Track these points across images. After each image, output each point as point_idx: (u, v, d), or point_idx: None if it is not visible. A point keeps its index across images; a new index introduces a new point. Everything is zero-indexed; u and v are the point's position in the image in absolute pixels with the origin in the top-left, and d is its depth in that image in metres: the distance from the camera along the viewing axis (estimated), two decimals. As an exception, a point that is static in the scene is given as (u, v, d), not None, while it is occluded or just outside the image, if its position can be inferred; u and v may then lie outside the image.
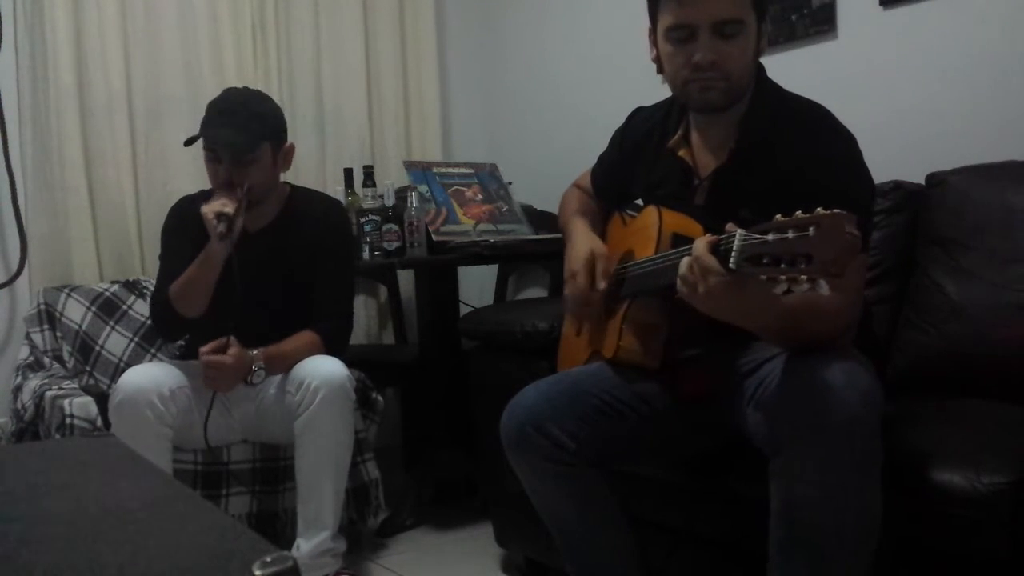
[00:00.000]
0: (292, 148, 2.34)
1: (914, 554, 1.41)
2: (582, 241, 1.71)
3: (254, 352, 2.15)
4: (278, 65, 3.20)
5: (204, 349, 2.10)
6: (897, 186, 2.04)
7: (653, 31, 1.60)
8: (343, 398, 2.13)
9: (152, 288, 2.77)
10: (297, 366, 2.16)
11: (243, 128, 2.17)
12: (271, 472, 2.35)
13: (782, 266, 1.12)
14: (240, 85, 3.07)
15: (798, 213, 1.12)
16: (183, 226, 2.29)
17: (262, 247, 2.28)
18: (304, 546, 2.14)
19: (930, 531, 1.38)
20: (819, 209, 1.10)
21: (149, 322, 2.73)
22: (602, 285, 1.61)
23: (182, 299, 2.20)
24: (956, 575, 1.38)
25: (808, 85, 1.67)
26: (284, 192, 2.38)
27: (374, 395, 2.47)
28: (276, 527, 2.36)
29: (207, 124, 2.19)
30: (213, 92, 3.01)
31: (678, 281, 1.31)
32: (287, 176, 2.43)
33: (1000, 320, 1.77)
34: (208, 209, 2.13)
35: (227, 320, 2.12)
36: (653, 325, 1.56)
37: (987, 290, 1.82)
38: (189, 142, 2.20)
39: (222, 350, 2.10)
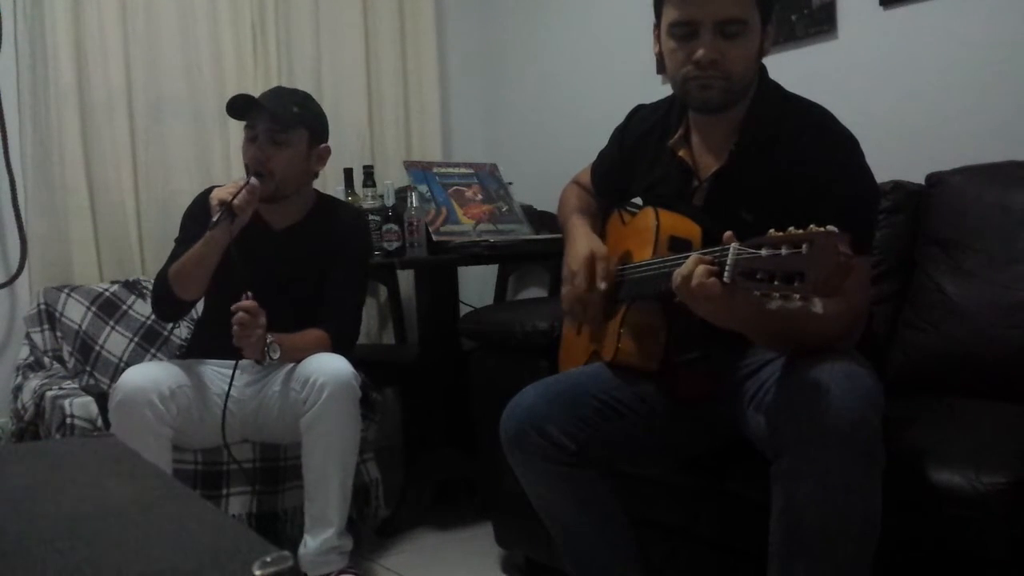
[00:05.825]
0: (328, 151, 2.38)
1: (914, 554, 1.41)
2: (582, 242, 1.71)
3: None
4: (278, 65, 3.19)
5: (236, 306, 2.08)
6: (897, 186, 2.04)
7: (658, 26, 1.60)
8: (349, 395, 2.12)
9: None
10: (302, 363, 2.16)
11: (285, 106, 2.25)
12: (271, 472, 2.35)
13: (776, 283, 1.12)
14: (240, 85, 3.09)
15: (791, 229, 1.13)
16: (203, 213, 2.29)
17: (283, 245, 2.30)
18: (311, 543, 2.15)
19: (930, 531, 1.38)
20: (812, 226, 1.11)
21: (149, 322, 2.73)
22: (602, 286, 1.61)
23: (178, 279, 2.21)
24: (956, 575, 1.38)
25: (808, 85, 1.67)
26: (311, 196, 2.40)
27: (374, 395, 2.47)
28: (276, 527, 2.36)
29: (253, 100, 2.25)
30: (213, 92, 3.06)
31: (674, 288, 1.31)
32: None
33: (1000, 320, 1.78)
34: (215, 194, 2.17)
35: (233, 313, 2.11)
36: (652, 328, 1.56)
37: (987, 290, 1.82)
38: (232, 110, 2.24)
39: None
